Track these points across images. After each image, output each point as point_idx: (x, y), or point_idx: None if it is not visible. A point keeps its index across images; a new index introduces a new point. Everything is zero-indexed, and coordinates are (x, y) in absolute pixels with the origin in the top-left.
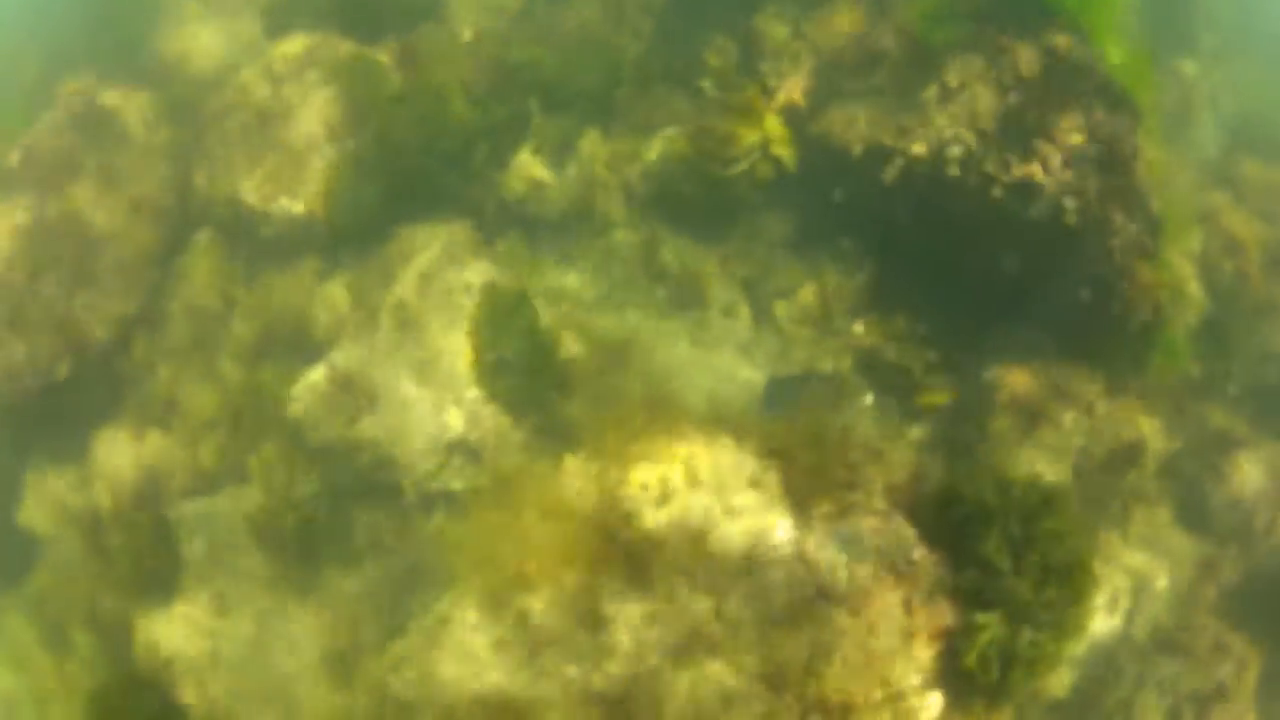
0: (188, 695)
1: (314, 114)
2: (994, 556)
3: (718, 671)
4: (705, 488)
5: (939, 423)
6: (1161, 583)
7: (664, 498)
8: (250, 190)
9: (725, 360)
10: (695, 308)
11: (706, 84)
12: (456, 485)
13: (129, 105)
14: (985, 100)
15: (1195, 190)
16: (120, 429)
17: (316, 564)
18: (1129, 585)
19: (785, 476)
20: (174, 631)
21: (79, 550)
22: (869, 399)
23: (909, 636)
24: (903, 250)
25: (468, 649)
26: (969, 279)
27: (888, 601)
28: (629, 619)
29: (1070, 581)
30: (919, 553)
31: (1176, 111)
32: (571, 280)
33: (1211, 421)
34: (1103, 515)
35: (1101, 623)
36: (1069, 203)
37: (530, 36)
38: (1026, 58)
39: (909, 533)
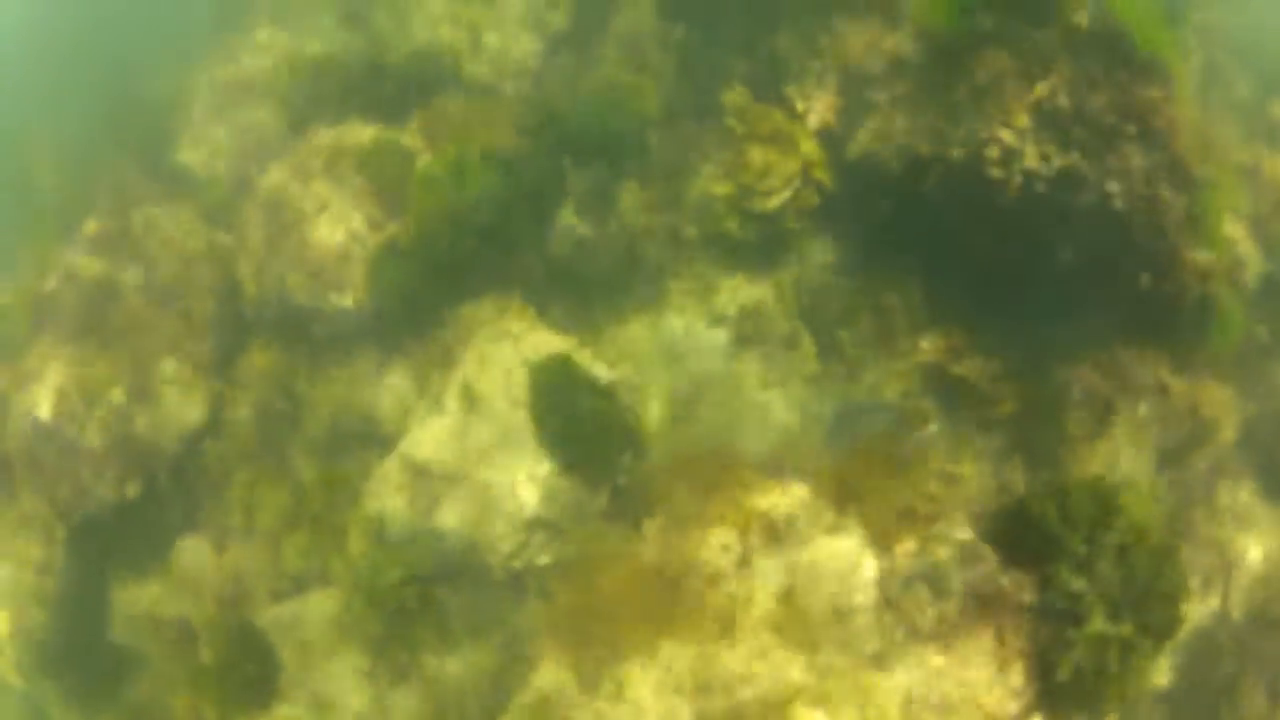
0: None
1: (348, 206)
2: (1068, 579)
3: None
4: (785, 540)
5: (1014, 430)
6: (1254, 556)
7: (745, 557)
8: (297, 288)
9: (795, 395)
10: (758, 345)
11: (731, 122)
12: (542, 560)
13: (162, 218)
14: (1015, 94)
15: (1236, 146)
16: (200, 538)
17: (414, 651)
18: (1221, 564)
19: (864, 516)
20: None
21: (173, 662)
22: (933, 427)
23: (1005, 664)
24: (956, 259)
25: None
26: (1025, 279)
27: (978, 634)
28: (723, 679)
29: (1155, 582)
30: (1005, 578)
31: (1204, 65)
32: (630, 336)
33: None
34: (1188, 496)
35: (1197, 606)
36: (1114, 187)
37: (551, 93)
38: (1048, 42)
39: (993, 559)
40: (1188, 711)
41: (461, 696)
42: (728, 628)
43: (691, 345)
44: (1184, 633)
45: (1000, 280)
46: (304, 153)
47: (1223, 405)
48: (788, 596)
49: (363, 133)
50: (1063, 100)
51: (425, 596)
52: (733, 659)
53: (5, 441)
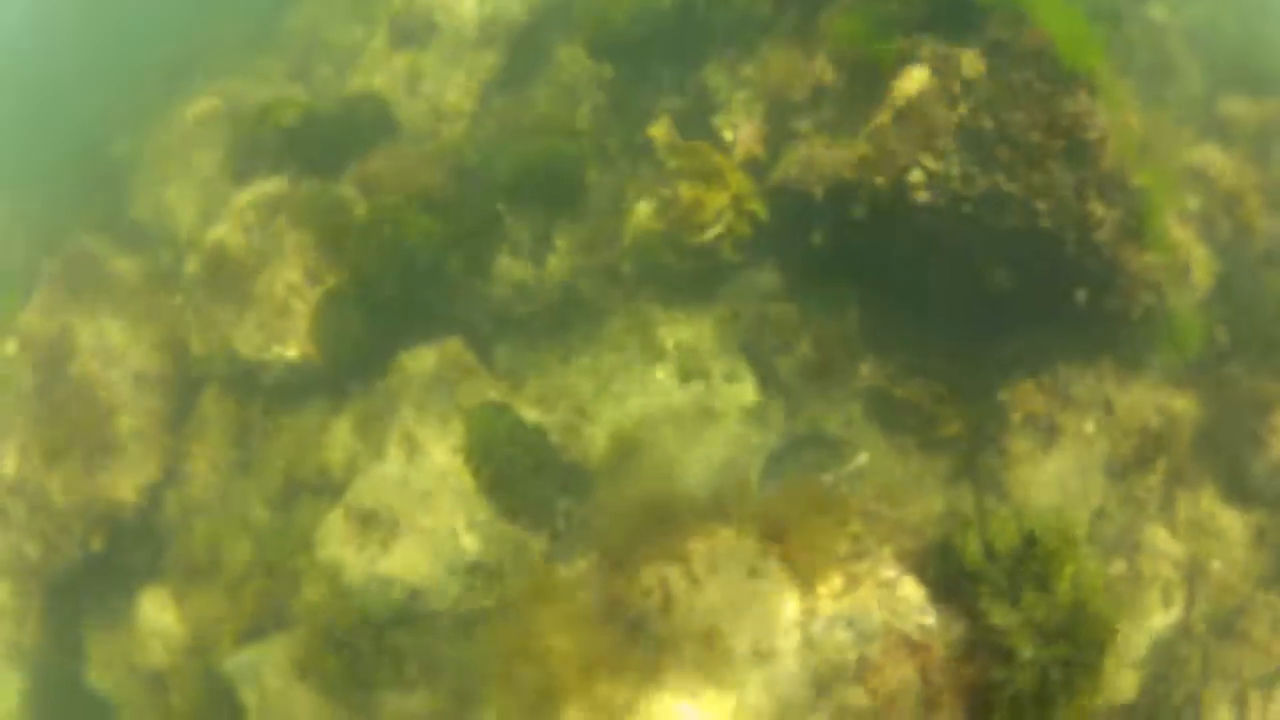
0: None
1: (289, 258)
2: (992, 612)
3: None
4: (705, 585)
5: (959, 453)
6: (1214, 565)
7: (667, 602)
8: (242, 342)
9: (734, 430)
10: (698, 380)
11: (661, 157)
12: (486, 603)
13: (113, 277)
14: (936, 116)
15: (1186, 144)
16: (163, 586)
17: (370, 694)
18: (1181, 574)
19: (786, 557)
20: None
21: (145, 711)
22: (863, 458)
23: (931, 705)
24: (892, 282)
25: None
26: (962, 301)
27: (903, 674)
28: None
29: (1083, 610)
30: (930, 618)
31: (1154, 61)
32: (571, 377)
33: (1241, 385)
34: (1142, 510)
35: (1159, 618)
36: (1041, 205)
37: (486, 136)
38: (969, 61)
39: (919, 597)
40: None
41: None
42: (655, 670)
43: (632, 383)
44: (1145, 647)
45: (937, 303)
46: (244, 207)
47: (1177, 414)
48: (710, 640)
49: (302, 187)
50: (985, 121)
51: (378, 640)
52: (663, 700)
53: None
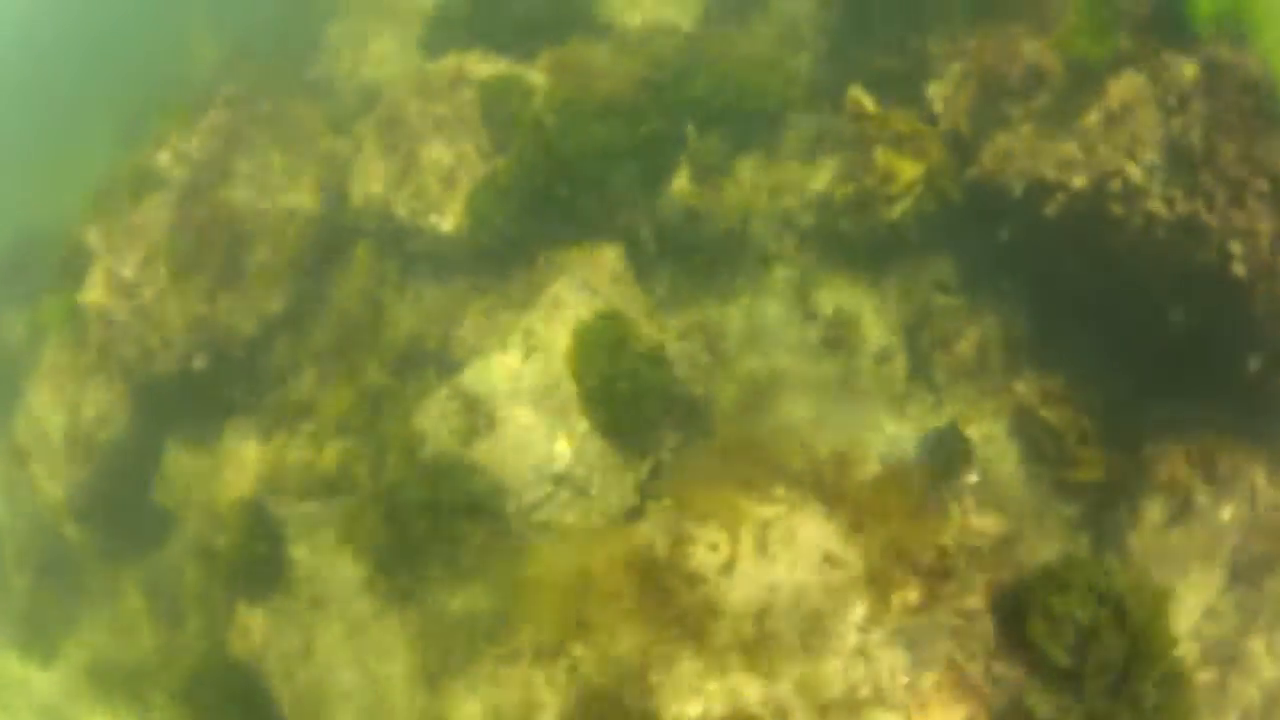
0: (276, 683)
1: (464, 132)
2: (1038, 700)
3: None
4: (776, 559)
5: (1091, 502)
6: None
7: (730, 564)
8: (401, 204)
9: (873, 412)
10: (846, 352)
11: (857, 121)
12: (567, 518)
13: (290, 114)
14: (1148, 126)
15: None
16: (252, 423)
17: (417, 580)
18: (1265, 702)
19: (870, 554)
20: (270, 623)
21: (198, 534)
22: (973, 478)
23: None
24: (1067, 296)
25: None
26: (1134, 332)
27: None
28: (675, 686)
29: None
30: (1002, 665)
31: None
32: (722, 315)
33: None
34: (1251, 622)
35: None
36: (1235, 248)
37: (693, 55)
38: (1189, 74)
39: (990, 639)
40: None
41: (452, 631)
42: (695, 634)
43: (780, 337)
44: None
45: (1108, 331)
46: (431, 74)
47: None
48: (762, 618)
49: (490, 64)
50: (1195, 139)
51: (439, 525)
52: (691, 668)
53: (85, 294)
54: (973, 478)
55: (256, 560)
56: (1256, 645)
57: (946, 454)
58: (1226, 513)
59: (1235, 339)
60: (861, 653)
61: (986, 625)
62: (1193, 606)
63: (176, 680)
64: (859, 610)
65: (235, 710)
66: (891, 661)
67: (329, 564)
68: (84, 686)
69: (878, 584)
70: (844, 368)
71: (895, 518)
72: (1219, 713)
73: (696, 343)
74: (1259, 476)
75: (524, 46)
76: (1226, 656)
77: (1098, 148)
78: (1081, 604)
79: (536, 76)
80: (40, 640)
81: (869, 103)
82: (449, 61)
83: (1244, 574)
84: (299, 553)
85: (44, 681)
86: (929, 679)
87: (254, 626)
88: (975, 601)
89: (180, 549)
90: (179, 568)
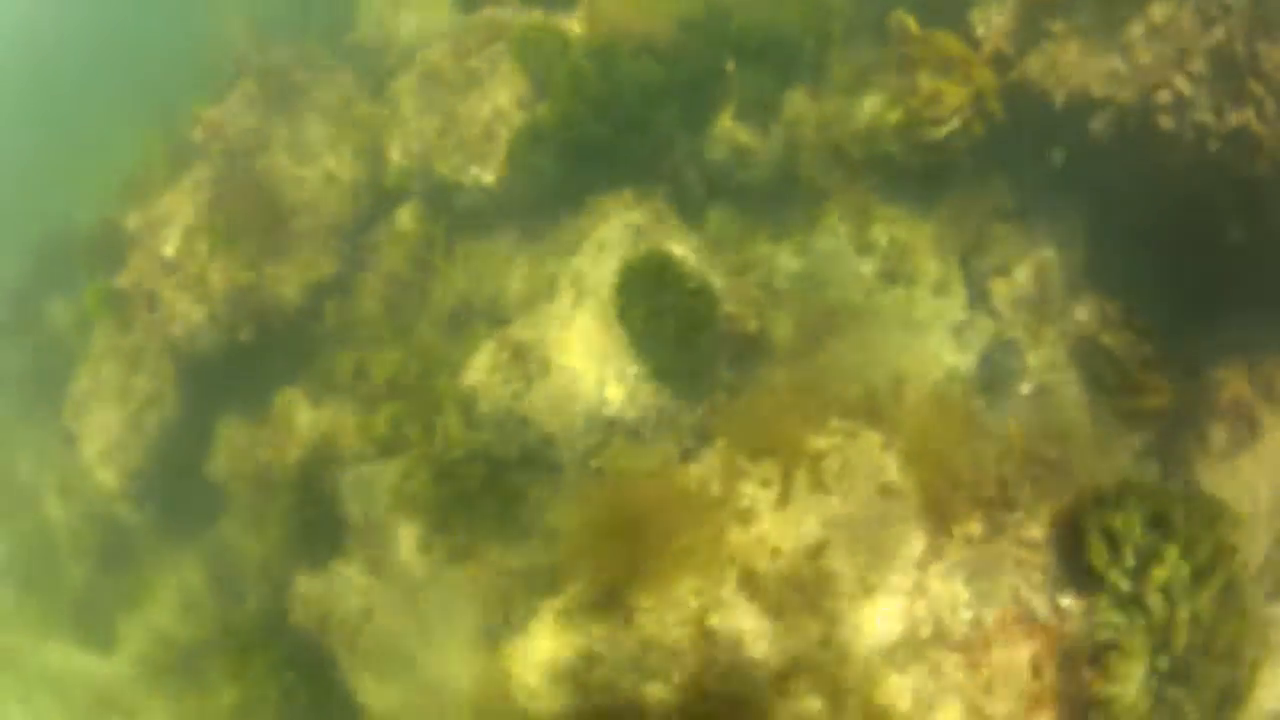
0: (338, 648)
1: (501, 84)
2: (1107, 615)
3: (815, 710)
4: (830, 492)
5: (1158, 430)
6: None
7: (783, 500)
8: (441, 160)
9: (932, 343)
10: (904, 284)
11: (901, 46)
12: (622, 463)
13: (325, 81)
14: (1191, 35)
15: None
16: (302, 391)
17: (474, 534)
18: None
19: (928, 484)
20: (329, 589)
21: (254, 505)
22: (1027, 388)
23: (1033, 704)
24: (1124, 219)
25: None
26: (1193, 252)
27: (1013, 657)
28: (733, 632)
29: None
30: (1069, 598)
31: None
32: (775, 253)
33: None
34: None
35: None
36: None
37: None
38: None
39: (1063, 570)
40: None
41: (512, 586)
42: (751, 575)
43: (835, 271)
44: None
45: (1166, 252)
46: (464, 29)
47: None
48: (817, 556)
49: (526, 13)
50: (1239, 47)
51: (494, 480)
52: (749, 612)
53: (126, 276)
54: (1024, 388)
55: (313, 527)
56: None
57: (1001, 370)
58: None
59: None
60: (921, 589)
61: (1050, 555)
62: (1262, 533)
63: (236, 651)
64: (918, 544)
65: (297, 677)
66: (953, 597)
67: (386, 526)
68: (145, 672)
69: (937, 515)
70: (901, 299)
71: (953, 444)
72: None
73: (749, 279)
74: None
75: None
76: None
77: (1142, 60)
78: (1138, 524)
79: (573, 24)
80: (99, 628)
81: (913, 25)
82: (483, 14)
83: None
84: (355, 517)
85: (104, 669)
86: (992, 615)
87: (313, 594)
88: (1038, 531)
89: (237, 523)
90: (237, 542)
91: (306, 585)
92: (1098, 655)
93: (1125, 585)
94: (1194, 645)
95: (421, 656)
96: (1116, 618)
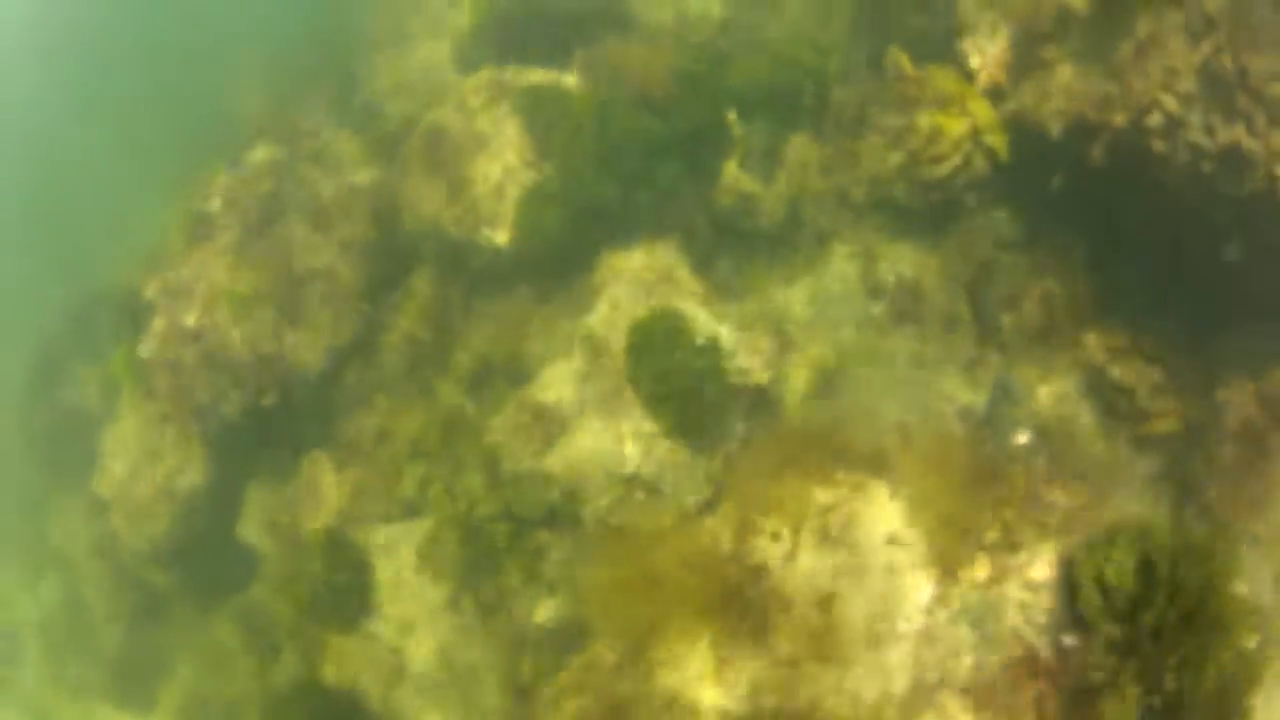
0: (374, 707)
1: (506, 144)
2: (1099, 659)
3: None
4: (838, 545)
5: (1171, 454)
6: None
7: (792, 554)
8: (452, 222)
9: (946, 383)
10: (912, 323)
11: (899, 85)
12: (642, 520)
13: (336, 146)
14: (1179, 53)
15: None
16: (327, 454)
17: (499, 590)
18: None
19: (933, 532)
20: (361, 649)
21: (284, 568)
22: (1024, 438)
23: None
24: (1124, 245)
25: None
26: (1193, 273)
27: (1016, 700)
28: (748, 682)
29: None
30: (1073, 638)
31: None
32: (783, 298)
33: None
34: None
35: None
36: None
37: (727, 44)
38: None
39: (1062, 613)
40: None
41: (539, 642)
42: (764, 626)
43: (845, 315)
44: None
45: (1168, 274)
46: (467, 91)
47: None
48: (828, 605)
49: (526, 73)
50: (1226, 61)
51: (518, 536)
52: (761, 662)
53: (147, 345)
54: (1022, 437)
55: (342, 589)
56: None
57: (1011, 404)
58: None
59: None
60: (927, 637)
61: (1053, 596)
62: (1275, 555)
63: (272, 710)
64: (925, 591)
65: None
66: (958, 642)
67: (414, 586)
68: None
69: (943, 563)
70: (912, 339)
71: (959, 490)
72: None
73: (759, 330)
74: None
75: (557, 54)
76: None
77: (1132, 81)
78: (1129, 570)
79: (571, 80)
80: (137, 689)
81: (907, 64)
82: (484, 75)
83: None
84: (384, 577)
85: None
86: (996, 658)
87: (346, 654)
88: (1042, 571)
89: (268, 585)
90: (269, 604)
91: (339, 645)
92: (1095, 695)
93: (1117, 633)
94: (1185, 686)
95: (454, 714)
96: (1110, 661)
